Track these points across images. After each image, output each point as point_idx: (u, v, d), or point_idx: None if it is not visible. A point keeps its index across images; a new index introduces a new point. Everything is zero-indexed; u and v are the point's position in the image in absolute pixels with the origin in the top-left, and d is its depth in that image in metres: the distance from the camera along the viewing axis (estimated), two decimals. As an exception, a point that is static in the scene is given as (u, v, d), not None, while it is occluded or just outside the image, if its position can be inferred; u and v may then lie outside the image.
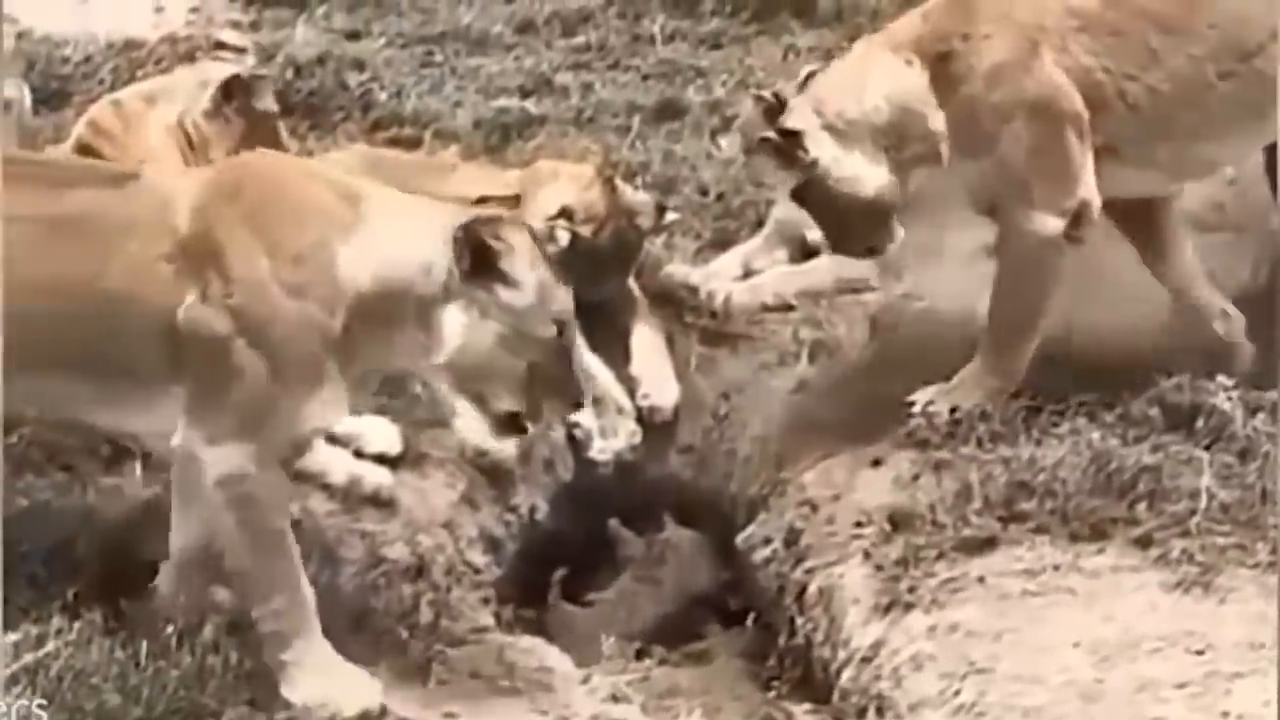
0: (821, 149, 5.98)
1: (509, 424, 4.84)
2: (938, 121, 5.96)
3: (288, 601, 4.71)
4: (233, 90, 6.30)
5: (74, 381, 4.79)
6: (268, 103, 6.39)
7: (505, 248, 4.73)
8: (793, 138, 5.98)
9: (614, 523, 6.22)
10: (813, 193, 6.03)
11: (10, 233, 4.72)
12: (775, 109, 6.27)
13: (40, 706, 4.42)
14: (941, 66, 5.98)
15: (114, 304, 4.71)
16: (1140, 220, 6.13)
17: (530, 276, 4.75)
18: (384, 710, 4.77)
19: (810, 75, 6.31)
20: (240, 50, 6.84)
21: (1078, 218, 5.91)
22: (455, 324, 4.73)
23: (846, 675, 5.17)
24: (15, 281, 4.69)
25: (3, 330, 4.67)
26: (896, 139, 6.00)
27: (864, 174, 5.99)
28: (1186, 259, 6.20)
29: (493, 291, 4.72)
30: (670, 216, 7.11)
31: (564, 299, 4.82)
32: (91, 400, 4.84)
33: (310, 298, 4.68)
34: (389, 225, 4.77)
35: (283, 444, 4.76)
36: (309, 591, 4.76)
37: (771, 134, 6.05)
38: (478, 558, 5.85)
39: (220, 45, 6.87)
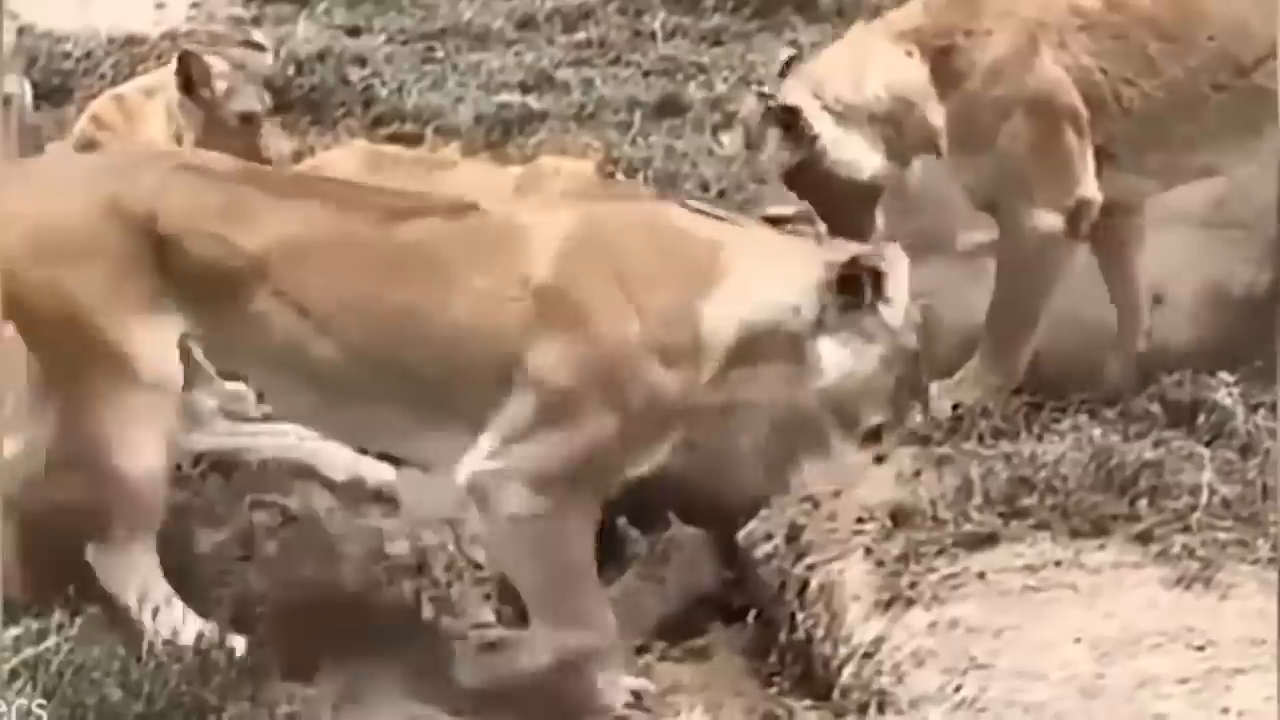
0: (822, 126, 5.99)
1: (874, 436, 4.90)
2: (936, 115, 5.96)
3: (600, 626, 4.75)
4: (189, 76, 6.30)
5: (394, 412, 4.75)
6: (247, 103, 6.38)
7: (879, 276, 4.72)
8: (793, 114, 5.99)
9: (621, 521, 6.22)
10: (807, 176, 6.03)
11: (347, 262, 4.68)
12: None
13: (40, 706, 4.42)
14: (943, 61, 5.98)
15: (454, 338, 4.66)
16: (1103, 224, 6.11)
17: (901, 294, 4.77)
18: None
19: (790, 60, 6.29)
20: (259, 48, 6.85)
21: (1077, 215, 5.91)
22: (836, 354, 4.74)
23: (848, 671, 5.17)
24: (351, 311, 4.66)
25: (337, 360, 4.67)
26: (894, 128, 6.00)
27: (862, 157, 6.01)
28: (1138, 272, 6.20)
29: (876, 314, 4.74)
30: None
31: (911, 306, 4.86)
32: (406, 431, 4.81)
33: (674, 361, 4.65)
34: (752, 274, 4.74)
35: (605, 490, 4.78)
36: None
37: (775, 104, 6.04)
38: (479, 554, 5.85)
39: (246, 44, 6.89)
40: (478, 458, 4.68)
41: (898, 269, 4.79)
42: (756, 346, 4.73)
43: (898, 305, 4.77)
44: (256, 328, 4.72)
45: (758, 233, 4.96)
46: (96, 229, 4.71)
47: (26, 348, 4.79)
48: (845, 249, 4.88)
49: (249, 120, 6.37)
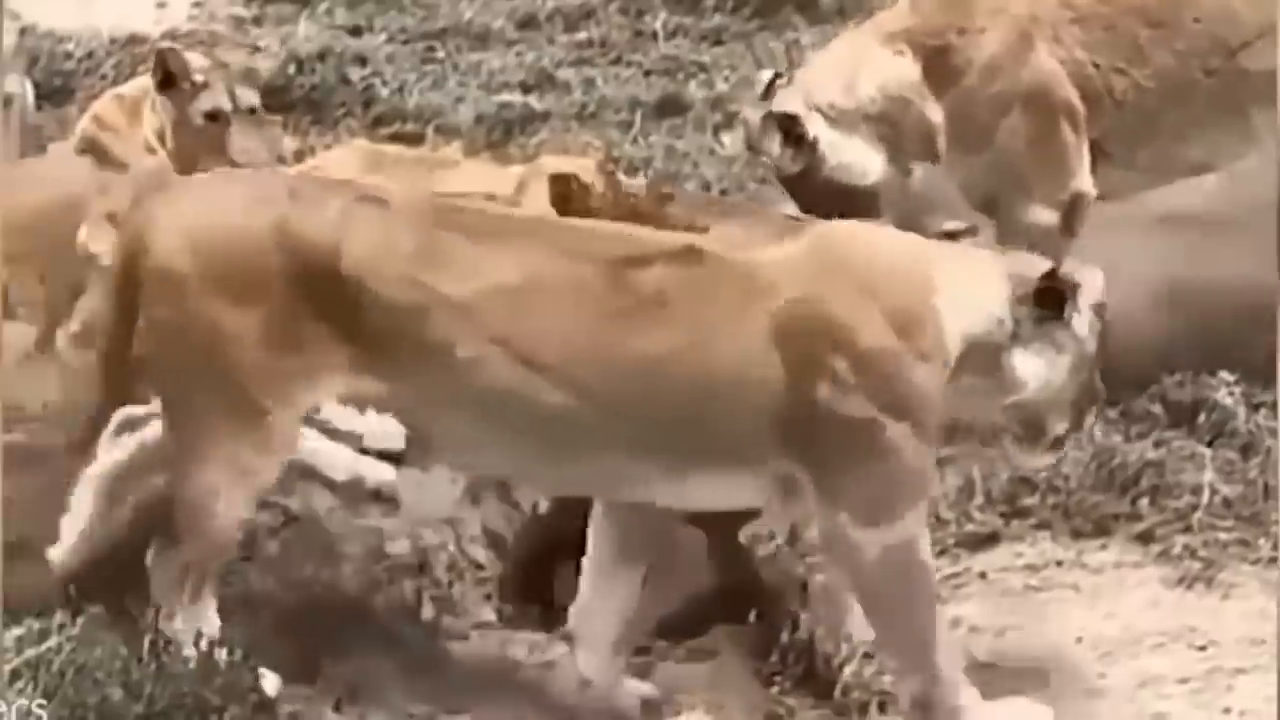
0: (819, 132, 5.98)
1: (1057, 445, 4.87)
2: (934, 113, 5.96)
3: (946, 652, 4.66)
4: (167, 72, 6.31)
5: (634, 460, 4.63)
6: (215, 101, 6.37)
7: (1073, 287, 4.72)
8: (792, 120, 5.98)
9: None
10: (808, 184, 6.02)
11: (580, 311, 4.54)
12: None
13: (41, 706, 4.42)
14: (937, 60, 5.99)
15: (710, 385, 4.54)
16: None
17: (1091, 306, 4.77)
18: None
19: (772, 81, 6.27)
20: (254, 49, 6.86)
21: (1072, 210, 5.91)
22: (1031, 366, 4.72)
23: (849, 671, 5.17)
24: (588, 361, 4.53)
25: (570, 410, 4.53)
26: (892, 129, 6.00)
27: (864, 161, 6.00)
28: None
29: (1069, 327, 4.72)
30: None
31: None
32: (659, 479, 4.68)
33: (932, 361, 4.61)
34: (959, 283, 4.71)
35: (925, 505, 4.73)
36: None
37: (774, 110, 6.04)
38: (480, 553, 5.84)
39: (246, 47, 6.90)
40: (820, 514, 4.60)
41: (1092, 282, 4.78)
42: (968, 359, 4.69)
43: (1086, 313, 4.76)
44: (464, 376, 4.54)
45: (950, 246, 4.96)
46: (267, 259, 4.52)
47: (155, 375, 4.67)
48: (1029, 262, 4.85)
49: (215, 119, 6.35)
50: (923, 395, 4.57)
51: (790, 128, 6.00)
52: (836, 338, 4.53)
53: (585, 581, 5.07)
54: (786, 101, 6.03)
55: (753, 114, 6.32)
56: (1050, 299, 4.68)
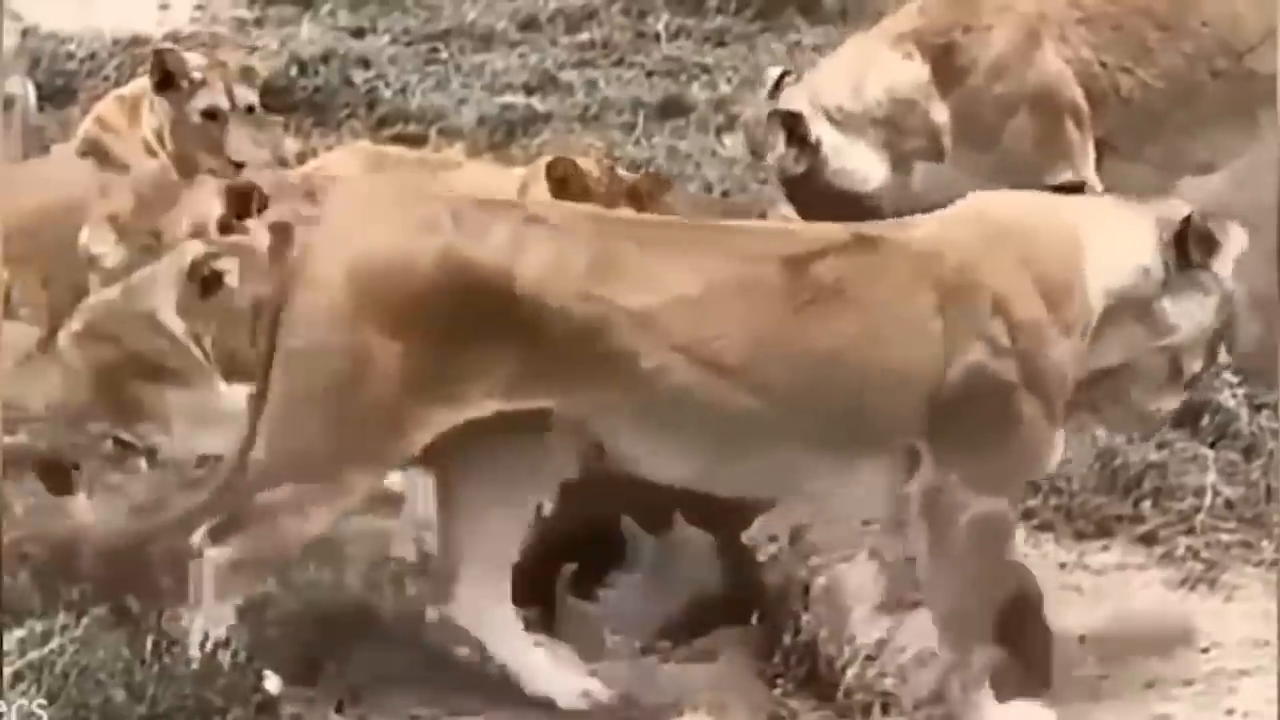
0: (823, 132, 5.98)
1: (1193, 383, 4.92)
2: (940, 113, 5.96)
3: (985, 646, 4.68)
4: (165, 73, 6.32)
5: (802, 454, 4.67)
6: (215, 100, 6.37)
7: (1218, 228, 4.76)
8: (796, 119, 5.98)
9: (627, 521, 6.21)
10: (807, 187, 6.02)
11: (761, 312, 4.57)
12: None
13: (41, 706, 4.41)
14: (943, 59, 5.99)
15: (884, 371, 4.59)
16: None
17: (1232, 249, 4.80)
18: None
19: (781, 78, 6.28)
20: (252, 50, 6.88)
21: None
22: (1180, 310, 4.74)
23: (852, 672, 5.16)
24: (773, 360, 4.57)
25: (754, 411, 4.56)
26: (896, 132, 6.00)
27: (866, 168, 6.00)
28: None
29: (1210, 269, 4.76)
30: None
31: None
32: (827, 471, 4.72)
33: (1073, 333, 4.63)
34: (1107, 241, 4.72)
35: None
36: None
37: (779, 107, 6.04)
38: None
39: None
40: (927, 474, 4.62)
41: (1230, 231, 4.82)
42: (1114, 312, 4.71)
43: (1227, 258, 4.79)
44: (647, 386, 4.55)
45: (1098, 200, 5.00)
46: (429, 287, 4.51)
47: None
48: (1173, 207, 4.89)
49: (213, 117, 6.34)
50: (1059, 373, 4.61)
51: (794, 127, 6.00)
52: (995, 306, 4.59)
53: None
54: (792, 101, 6.03)
55: (755, 113, 6.32)
56: (1199, 242, 4.71)
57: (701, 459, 4.69)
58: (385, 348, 4.50)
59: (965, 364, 4.57)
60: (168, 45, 6.60)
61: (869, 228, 4.82)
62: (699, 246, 4.70)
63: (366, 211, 4.84)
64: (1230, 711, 4.64)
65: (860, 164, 6.02)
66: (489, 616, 4.93)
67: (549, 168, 6.54)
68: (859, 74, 6.05)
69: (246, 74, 6.47)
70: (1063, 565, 5.23)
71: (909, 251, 4.67)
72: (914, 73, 6.00)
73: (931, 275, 4.62)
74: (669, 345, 4.54)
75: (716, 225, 5.10)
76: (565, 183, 6.48)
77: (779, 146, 6.11)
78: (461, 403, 4.54)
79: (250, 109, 6.42)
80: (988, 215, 4.77)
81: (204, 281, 5.86)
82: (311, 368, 4.56)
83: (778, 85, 6.26)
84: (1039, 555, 5.26)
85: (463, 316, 4.51)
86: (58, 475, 5.29)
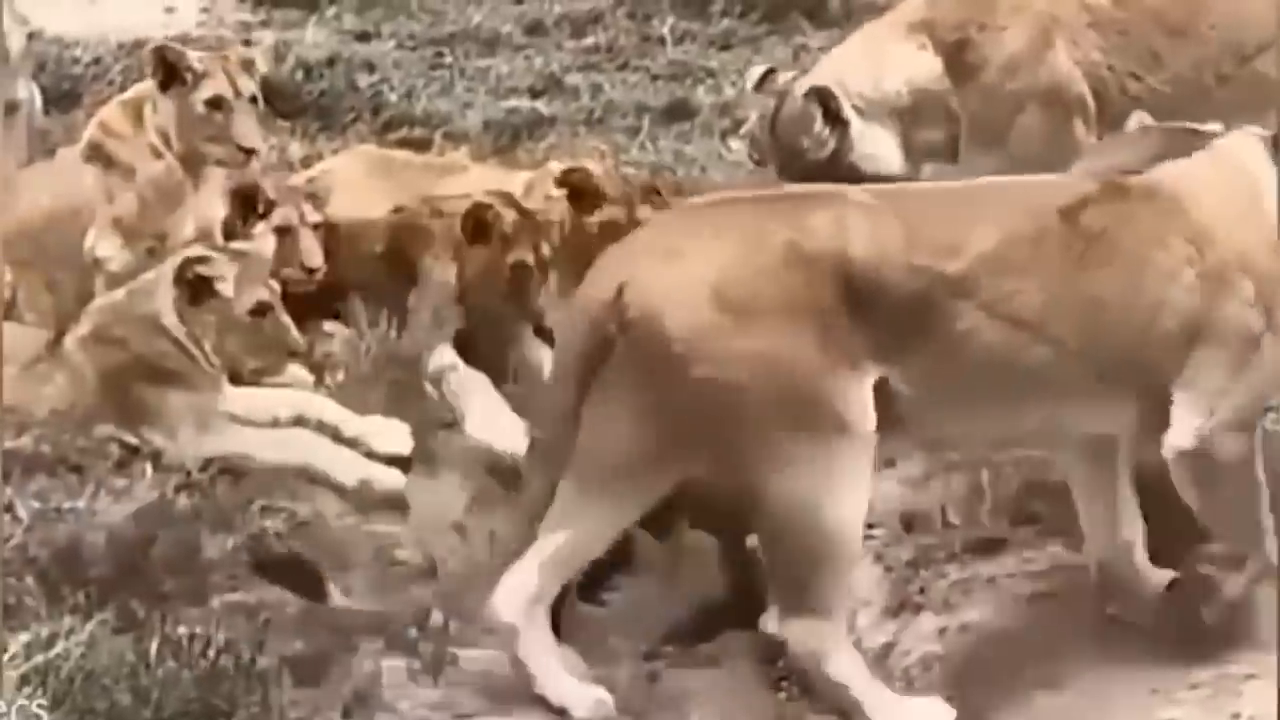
0: (850, 115, 6.02)
1: None
2: (956, 104, 6.00)
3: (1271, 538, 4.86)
4: (167, 69, 6.31)
5: (1101, 400, 4.81)
6: (219, 89, 6.35)
7: None
8: (828, 94, 6.00)
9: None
10: (824, 175, 6.02)
11: (1046, 264, 4.70)
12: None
13: (41, 706, 4.41)
14: (956, 55, 6.03)
15: (1148, 317, 4.74)
16: None
17: None
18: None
19: (765, 76, 6.30)
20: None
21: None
22: None
23: (856, 676, 5.15)
24: (1057, 310, 4.70)
25: (1045, 362, 4.70)
26: (913, 124, 6.03)
27: (888, 154, 6.03)
28: None
29: None
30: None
31: None
32: (1080, 420, 4.87)
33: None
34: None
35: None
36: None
37: (817, 84, 6.05)
38: (489, 559, 5.84)
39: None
40: (1195, 418, 4.74)
41: None
42: None
43: None
44: (961, 349, 4.69)
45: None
46: (786, 284, 4.64)
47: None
48: None
49: (218, 106, 6.34)
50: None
51: (828, 102, 6.03)
52: (1242, 257, 4.74)
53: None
54: (821, 79, 6.07)
55: (755, 112, 6.34)
56: None
57: (1004, 418, 4.83)
58: (789, 337, 4.62)
59: (1219, 316, 4.72)
60: (163, 41, 6.58)
61: (1114, 175, 4.90)
62: (987, 204, 4.86)
63: (688, 246, 4.79)
64: (1236, 715, 4.64)
65: (882, 150, 6.04)
66: (529, 613, 4.95)
67: (562, 176, 6.55)
68: (878, 63, 6.09)
69: (247, 65, 6.45)
70: (1068, 568, 5.22)
71: (1157, 199, 4.80)
72: (930, 64, 6.04)
73: (1178, 224, 4.76)
74: (975, 304, 4.69)
75: (992, 182, 5.24)
76: (580, 190, 6.49)
77: (815, 125, 6.11)
78: (862, 371, 4.66)
79: (253, 98, 6.41)
80: (1231, 161, 4.89)
81: (191, 286, 5.85)
82: (728, 390, 4.64)
83: (762, 83, 6.30)
84: (1045, 559, 5.25)
85: (824, 303, 4.63)
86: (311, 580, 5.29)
